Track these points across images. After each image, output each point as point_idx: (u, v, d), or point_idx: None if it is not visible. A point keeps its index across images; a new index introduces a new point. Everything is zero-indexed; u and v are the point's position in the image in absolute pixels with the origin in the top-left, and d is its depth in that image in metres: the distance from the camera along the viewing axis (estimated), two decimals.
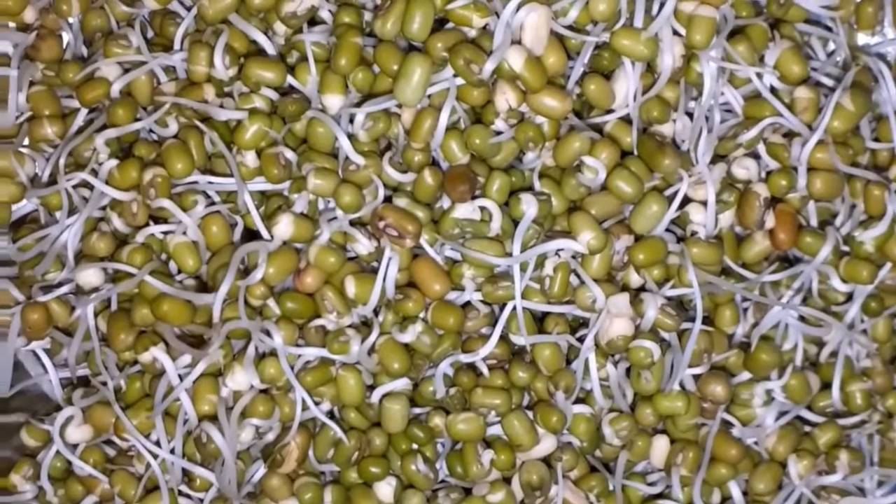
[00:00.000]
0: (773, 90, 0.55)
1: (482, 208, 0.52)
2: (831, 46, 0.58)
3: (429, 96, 0.52)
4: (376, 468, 0.53)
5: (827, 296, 0.56)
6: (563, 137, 0.52)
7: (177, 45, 0.54)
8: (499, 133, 0.52)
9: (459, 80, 0.51)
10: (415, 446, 0.54)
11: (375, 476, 0.53)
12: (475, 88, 0.51)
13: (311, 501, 0.53)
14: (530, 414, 0.54)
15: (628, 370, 0.54)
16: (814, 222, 0.56)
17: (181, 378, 0.52)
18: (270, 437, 0.54)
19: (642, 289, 0.54)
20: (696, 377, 0.54)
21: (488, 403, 0.53)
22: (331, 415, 0.54)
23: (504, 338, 0.53)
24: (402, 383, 0.53)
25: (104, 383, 0.54)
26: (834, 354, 0.56)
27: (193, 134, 0.53)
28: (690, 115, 0.54)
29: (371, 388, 0.53)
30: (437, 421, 0.54)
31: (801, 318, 0.55)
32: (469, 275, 0.53)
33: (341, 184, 0.52)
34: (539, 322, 0.54)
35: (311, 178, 0.52)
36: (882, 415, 0.57)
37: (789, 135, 0.55)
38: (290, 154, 0.53)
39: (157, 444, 0.53)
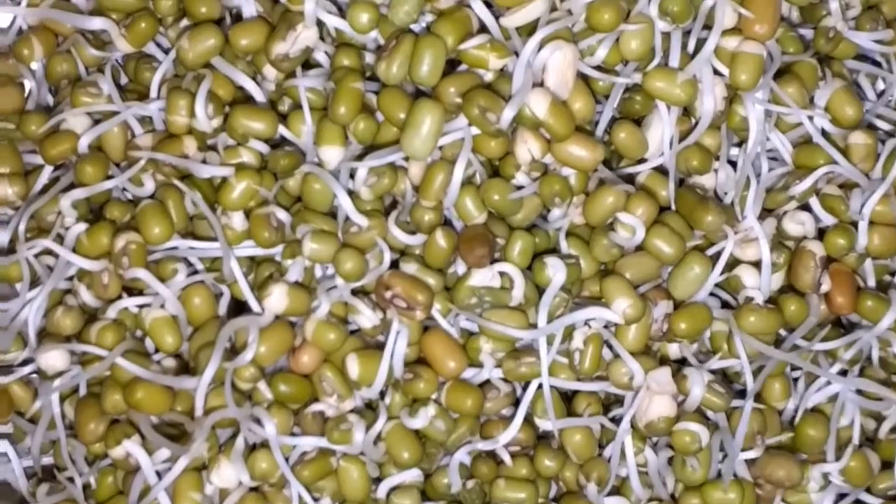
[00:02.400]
0: (824, 134, 0.50)
1: (502, 274, 0.47)
2: (881, 85, 0.54)
3: (440, 148, 0.47)
4: None
5: (889, 363, 0.51)
6: (594, 192, 0.48)
7: (153, 93, 0.50)
8: (520, 188, 0.48)
9: (475, 130, 0.47)
10: None
11: None
12: (493, 139, 0.47)
13: None
14: None
15: (670, 457, 0.49)
16: (871, 282, 0.51)
17: (159, 475, 0.47)
18: None
19: (684, 362, 0.49)
20: (749, 461, 0.49)
21: (512, 498, 0.48)
22: None
23: (528, 420, 0.48)
24: (413, 475, 0.49)
25: (71, 479, 0.49)
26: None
27: (172, 193, 0.49)
28: (734, 164, 0.50)
29: (377, 480, 0.49)
30: None
31: (859, 392, 0.50)
32: (488, 349, 0.48)
33: (341, 248, 0.47)
34: (568, 402, 0.50)
35: (308, 242, 0.47)
36: None
37: (843, 185, 0.51)
38: (282, 214, 0.48)
39: None
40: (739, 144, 0.50)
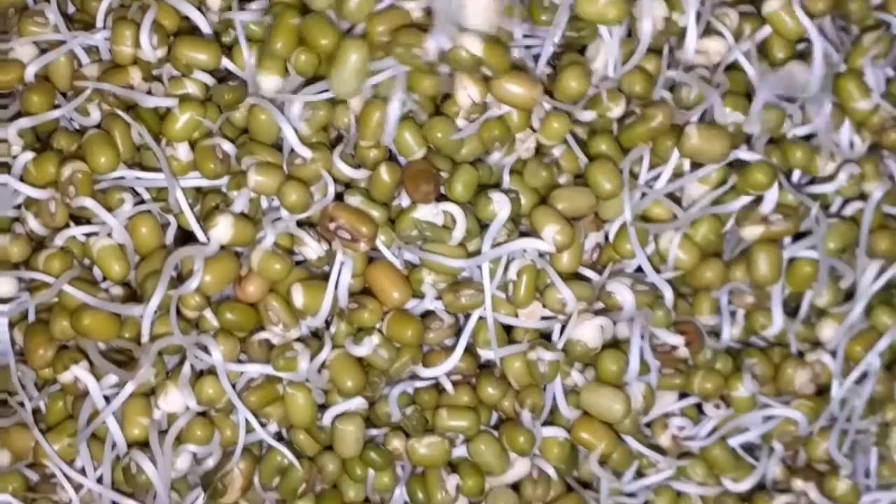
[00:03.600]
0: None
1: (445, 212, 0.47)
2: None
3: (375, 87, 0.47)
4: None
5: None
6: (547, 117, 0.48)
7: (99, 23, 0.49)
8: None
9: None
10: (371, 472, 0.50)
11: None
12: (426, 76, 0.47)
13: None
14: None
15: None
16: None
17: (107, 400, 0.48)
18: (210, 463, 0.49)
19: None
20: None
21: (454, 427, 0.49)
22: (279, 437, 0.50)
23: (470, 351, 0.49)
24: (357, 403, 0.49)
25: (21, 404, 0.49)
26: None
27: (118, 123, 0.48)
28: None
29: (323, 407, 0.49)
30: (397, 443, 0.49)
31: None
32: (429, 280, 0.49)
33: (286, 180, 0.47)
34: (508, 331, 0.50)
35: (252, 174, 0.47)
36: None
37: None
38: (227, 146, 0.48)
39: (83, 471, 0.49)
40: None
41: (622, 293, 0.49)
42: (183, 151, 0.48)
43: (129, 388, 0.47)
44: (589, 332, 0.49)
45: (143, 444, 0.48)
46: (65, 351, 0.48)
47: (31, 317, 0.49)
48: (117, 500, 0.48)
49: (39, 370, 0.49)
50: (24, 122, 0.49)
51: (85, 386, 0.48)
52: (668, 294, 0.50)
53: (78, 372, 0.48)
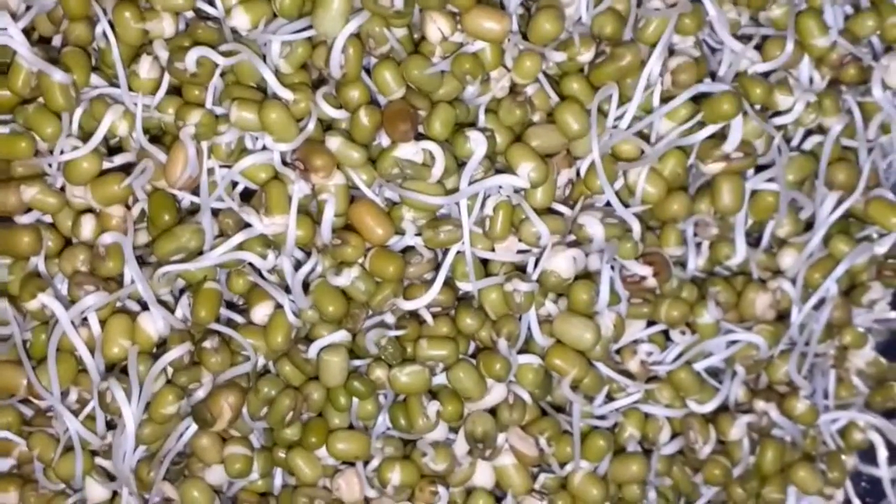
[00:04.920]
0: None
1: (425, 150, 0.49)
2: None
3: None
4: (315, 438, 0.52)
5: None
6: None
7: None
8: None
9: None
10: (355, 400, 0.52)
11: (313, 445, 0.52)
12: (398, 20, 0.48)
13: (239, 472, 0.52)
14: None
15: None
16: None
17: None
18: (201, 394, 0.51)
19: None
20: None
21: (434, 356, 0.51)
22: (265, 370, 0.52)
23: (448, 284, 0.51)
24: (341, 335, 0.51)
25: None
26: None
27: None
28: None
29: (308, 340, 0.51)
30: (379, 373, 0.51)
31: None
32: (409, 217, 0.50)
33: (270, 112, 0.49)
34: (484, 264, 0.52)
35: (235, 110, 0.49)
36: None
37: None
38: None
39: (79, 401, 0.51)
40: None
41: (593, 226, 0.51)
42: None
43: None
44: (562, 263, 0.51)
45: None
46: (31, 279, 0.50)
47: None
48: (83, 435, 0.50)
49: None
50: None
51: (52, 311, 0.49)
52: (636, 227, 0.51)
53: (44, 299, 0.49)
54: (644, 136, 0.52)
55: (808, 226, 0.55)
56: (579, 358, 0.52)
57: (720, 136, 0.51)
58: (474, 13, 0.48)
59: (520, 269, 0.52)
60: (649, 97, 0.51)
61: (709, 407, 0.55)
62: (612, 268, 0.52)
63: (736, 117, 0.51)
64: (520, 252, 0.51)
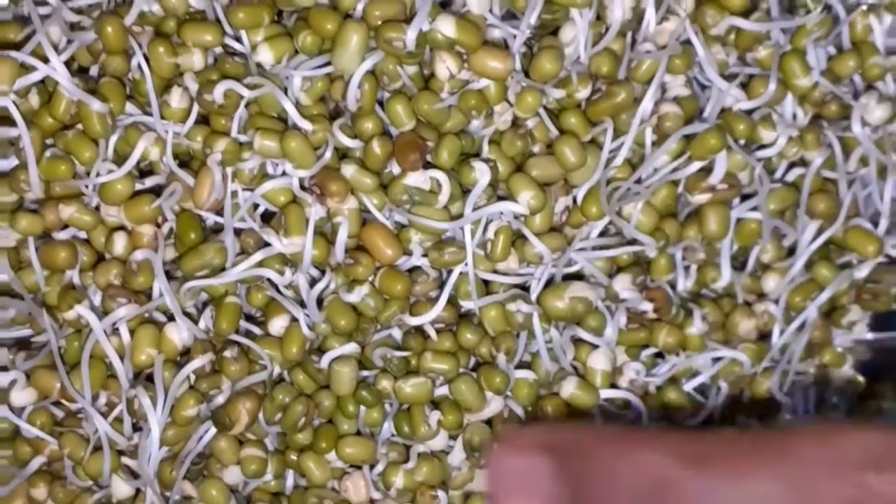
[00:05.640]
0: None
1: (432, 178, 0.52)
2: None
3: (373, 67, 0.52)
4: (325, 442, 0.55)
5: None
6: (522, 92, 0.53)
7: None
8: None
9: None
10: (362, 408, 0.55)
11: (323, 450, 0.55)
12: (410, 59, 0.52)
13: (255, 473, 0.54)
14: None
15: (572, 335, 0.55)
16: None
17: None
18: (221, 399, 0.54)
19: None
20: None
21: (437, 369, 0.54)
22: (280, 378, 0.55)
23: (452, 302, 0.54)
24: (351, 347, 0.54)
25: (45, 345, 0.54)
26: None
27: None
28: None
29: (321, 352, 0.54)
30: (385, 384, 0.54)
31: None
32: (417, 240, 0.53)
33: (290, 141, 0.52)
34: (485, 284, 0.55)
35: (258, 139, 0.52)
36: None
37: None
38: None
39: (108, 404, 0.54)
40: None
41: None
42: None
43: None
44: (561, 304, 0.54)
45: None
46: (68, 291, 0.53)
47: None
48: (111, 436, 0.53)
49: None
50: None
51: (87, 321, 0.53)
52: (650, 243, 0.54)
53: (81, 310, 0.53)
54: (634, 166, 0.55)
55: (791, 251, 0.57)
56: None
57: (707, 169, 0.54)
58: (480, 53, 0.51)
59: (521, 289, 0.55)
60: (642, 132, 0.54)
61: (695, 420, 0.57)
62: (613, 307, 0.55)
63: (721, 152, 0.54)
64: (518, 274, 0.54)
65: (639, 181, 0.54)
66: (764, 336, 0.58)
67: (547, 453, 0.47)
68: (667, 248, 0.55)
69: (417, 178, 0.52)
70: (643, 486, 0.47)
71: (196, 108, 0.53)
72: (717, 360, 0.57)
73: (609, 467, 0.48)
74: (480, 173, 0.52)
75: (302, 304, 0.54)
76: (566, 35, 0.53)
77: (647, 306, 0.55)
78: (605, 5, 0.53)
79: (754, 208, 0.56)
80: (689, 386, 0.57)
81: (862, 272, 0.58)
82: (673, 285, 0.57)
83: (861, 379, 0.60)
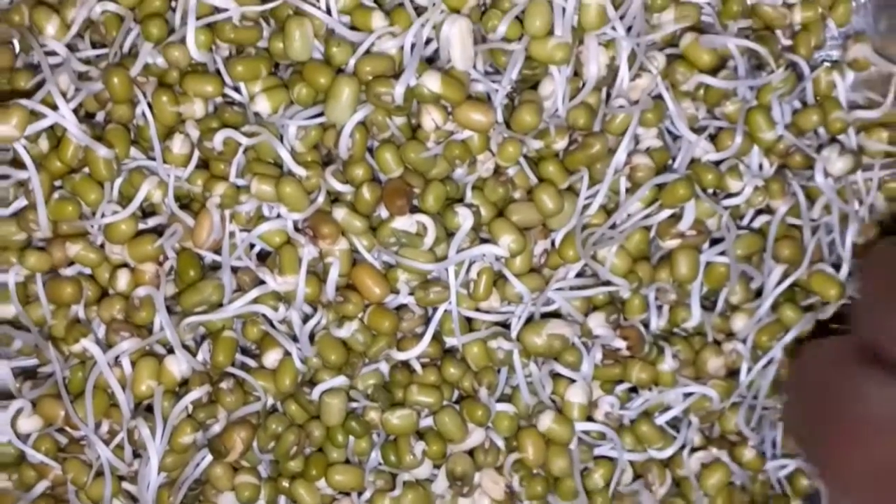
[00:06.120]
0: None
1: (418, 222, 0.54)
2: None
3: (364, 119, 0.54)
4: (315, 470, 0.57)
5: None
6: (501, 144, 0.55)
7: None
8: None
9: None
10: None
11: (313, 477, 0.57)
12: (398, 111, 0.54)
13: (248, 499, 0.56)
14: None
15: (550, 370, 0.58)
16: None
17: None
18: (217, 428, 0.56)
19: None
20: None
21: (422, 402, 0.56)
22: (274, 409, 0.57)
23: (436, 338, 0.56)
24: (340, 380, 0.56)
25: (50, 375, 0.56)
26: None
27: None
28: None
29: (312, 384, 0.56)
30: (373, 415, 0.56)
31: None
32: (404, 279, 0.56)
33: (285, 185, 0.54)
34: (468, 322, 0.57)
35: (255, 183, 0.54)
36: None
37: None
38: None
39: (109, 432, 0.56)
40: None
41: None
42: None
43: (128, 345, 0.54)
44: (539, 340, 0.56)
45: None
46: (74, 325, 0.56)
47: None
48: (113, 462, 0.55)
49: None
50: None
51: (91, 354, 0.55)
52: (624, 285, 0.57)
53: (86, 343, 0.55)
54: (609, 211, 0.57)
55: (759, 293, 0.59)
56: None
57: (677, 216, 0.57)
58: (464, 107, 0.54)
59: (502, 326, 0.57)
60: (617, 180, 0.57)
61: (667, 453, 0.59)
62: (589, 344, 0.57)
63: (690, 200, 0.56)
64: (499, 312, 0.56)
65: (613, 226, 0.56)
66: (732, 373, 0.59)
67: None
68: (640, 289, 0.58)
69: (404, 222, 0.54)
70: None
71: (197, 153, 0.55)
72: (687, 395, 0.59)
73: None
74: (464, 218, 0.55)
75: (295, 339, 0.56)
76: (545, 89, 0.55)
77: (621, 343, 0.57)
78: (581, 62, 0.55)
79: (722, 253, 0.58)
80: (661, 419, 0.59)
81: (826, 314, 0.60)
82: (646, 324, 0.59)
83: None
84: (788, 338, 0.59)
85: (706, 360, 0.59)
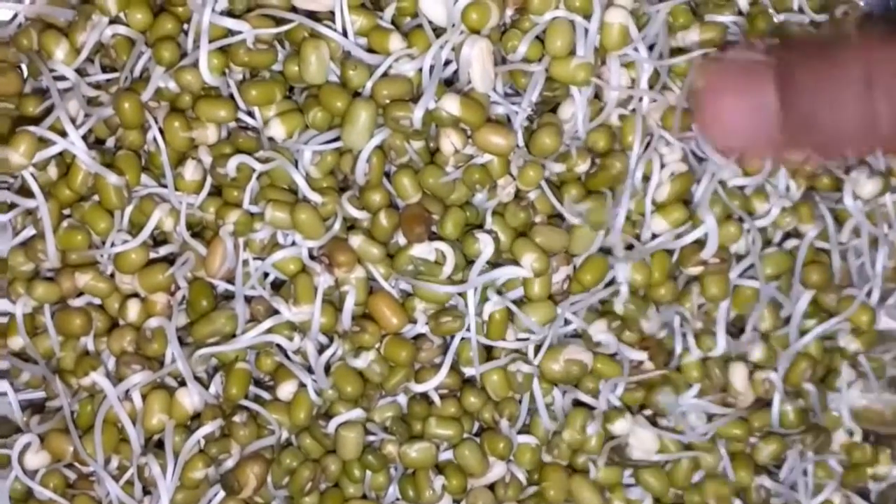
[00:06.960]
0: None
1: (437, 249, 0.54)
2: None
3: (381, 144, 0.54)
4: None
5: None
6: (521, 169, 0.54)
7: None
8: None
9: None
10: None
11: None
12: (417, 136, 0.53)
13: None
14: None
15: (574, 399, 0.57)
16: None
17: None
18: (230, 463, 0.55)
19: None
20: None
21: (441, 434, 0.55)
22: (288, 443, 0.56)
23: (455, 368, 0.56)
24: (357, 413, 0.55)
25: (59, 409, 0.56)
26: None
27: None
28: None
29: (328, 417, 0.55)
30: (391, 448, 0.56)
31: None
32: (421, 308, 0.55)
33: (300, 212, 0.54)
34: (487, 351, 0.56)
35: (270, 210, 0.54)
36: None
37: None
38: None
39: (119, 468, 0.55)
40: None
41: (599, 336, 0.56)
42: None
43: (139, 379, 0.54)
44: (556, 366, 0.55)
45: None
46: (84, 358, 0.55)
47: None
48: (122, 499, 0.55)
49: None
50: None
51: (101, 387, 0.54)
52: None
53: (96, 377, 0.54)
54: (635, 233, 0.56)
55: (787, 321, 0.58)
56: None
57: (701, 242, 0.56)
58: (484, 130, 0.53)
59: (518, 352, 0.56)
60: (641, 200, 0.56)
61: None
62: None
63: (712, 227, 0.55)
64: (518, 339, 0.55)
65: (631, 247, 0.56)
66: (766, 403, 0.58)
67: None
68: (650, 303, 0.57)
69: (423, 250, 0.54)
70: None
71: (209, 180, 0.55)
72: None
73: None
74: (484, 244, 0.54)
75: (310, 370, 0.55)
76: (565, 112, 0.55)
77: (642, 355, 0.56)
78: (602, 83, 0.55)
79: (751, 267, 0.57)
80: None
81: (856, 342, 0.59)
82: (670, 351, 0.58)
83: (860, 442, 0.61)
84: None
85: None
